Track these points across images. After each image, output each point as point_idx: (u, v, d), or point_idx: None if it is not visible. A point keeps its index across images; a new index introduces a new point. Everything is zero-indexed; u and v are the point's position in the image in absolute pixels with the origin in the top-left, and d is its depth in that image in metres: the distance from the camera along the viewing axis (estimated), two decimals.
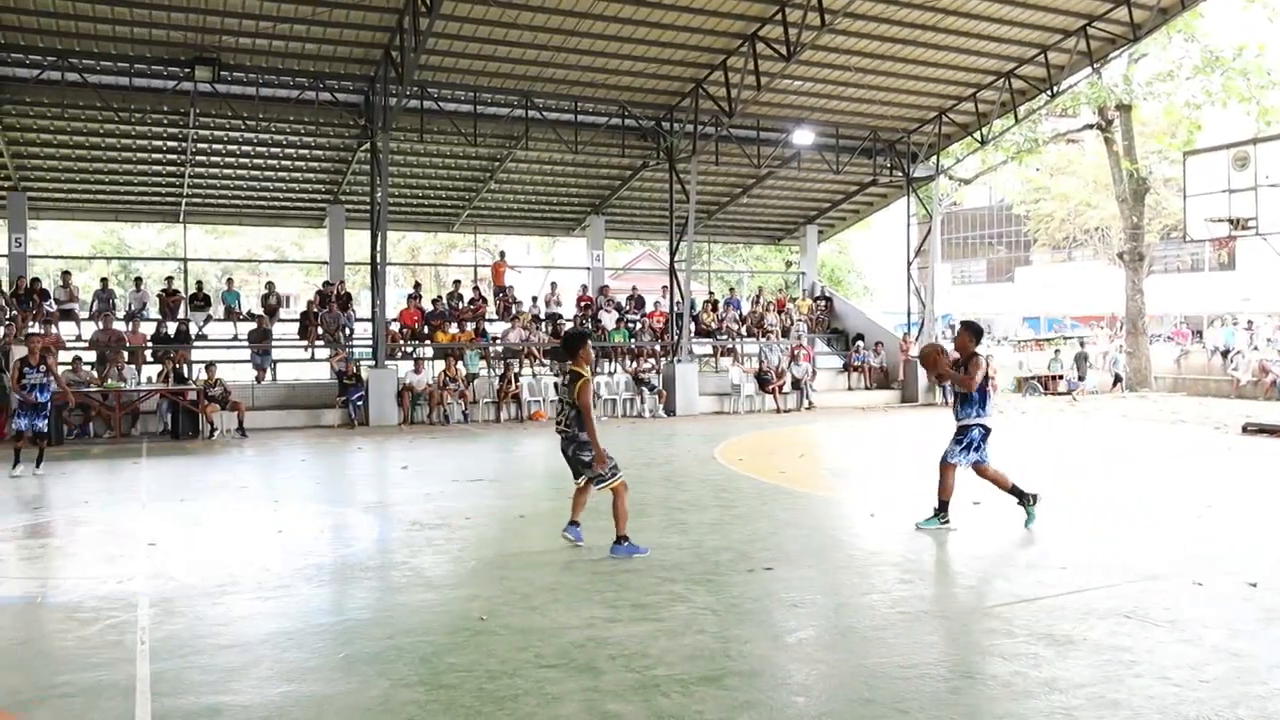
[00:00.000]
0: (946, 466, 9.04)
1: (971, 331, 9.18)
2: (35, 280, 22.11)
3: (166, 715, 4.75)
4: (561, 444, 8.21)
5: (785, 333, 27.23)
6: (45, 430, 13.45)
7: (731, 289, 31.22)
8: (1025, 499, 9.04)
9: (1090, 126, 31.82)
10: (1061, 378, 29.10)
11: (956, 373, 8.97)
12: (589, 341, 8.38)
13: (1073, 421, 20.71)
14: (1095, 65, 22.65)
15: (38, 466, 13.27)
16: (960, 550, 8.43)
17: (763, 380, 24.48)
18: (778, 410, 23.90)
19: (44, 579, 7.62)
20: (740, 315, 27.83)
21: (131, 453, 15.92)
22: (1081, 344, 34.01)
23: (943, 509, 9.03)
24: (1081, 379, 28.60)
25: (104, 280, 23.46)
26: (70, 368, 18.27)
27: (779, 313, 28.12)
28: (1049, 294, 58.30)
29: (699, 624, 6.15)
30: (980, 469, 9.04)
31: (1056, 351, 31.58)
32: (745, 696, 4.95)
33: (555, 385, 7.67)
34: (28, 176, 22.60)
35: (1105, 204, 37.13)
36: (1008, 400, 26.55)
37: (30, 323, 20.00)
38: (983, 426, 8.98)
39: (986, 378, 9.09)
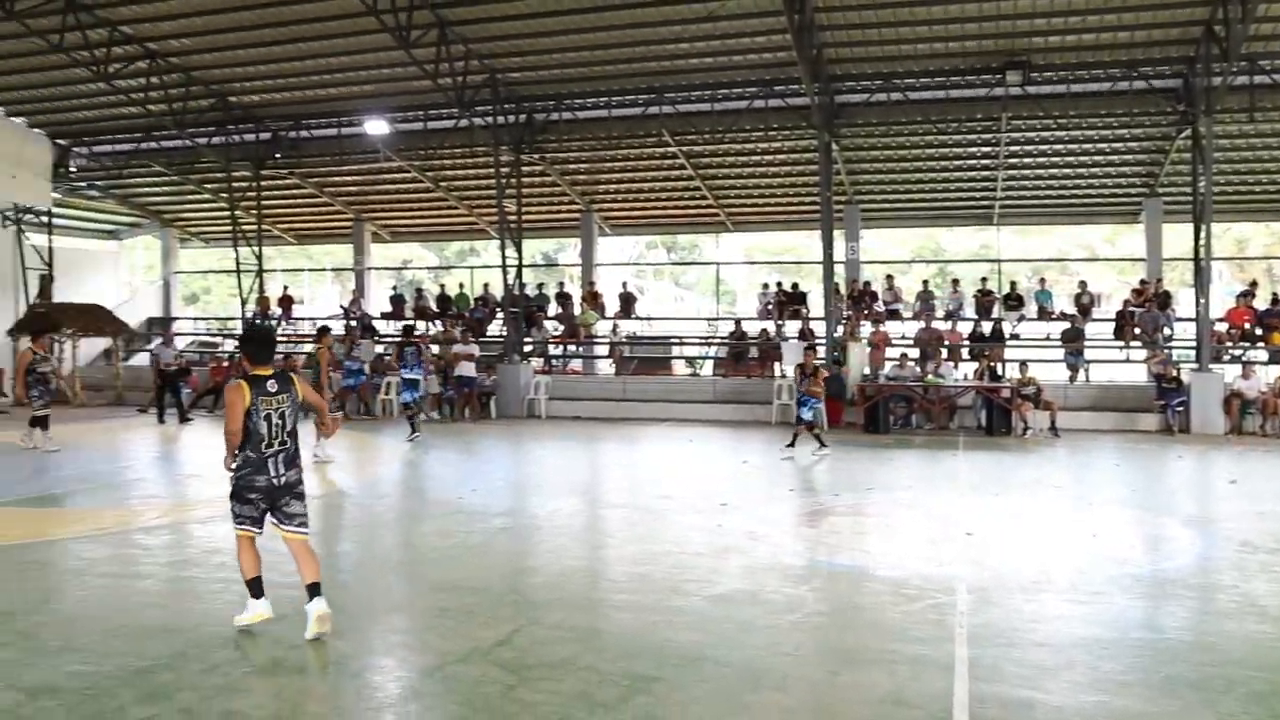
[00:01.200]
0: None
1: None
2: (866, 284, 24.51)
3: (983, 699, 4.94)
4: None
5: None
6: (810, 420, 15.30)
7: None
8: None
9: None
10: None
11: None
12: None
13: None
14: None
15: (821, 447, 15.01)
16: None
17: None
18: None
19: (872, 553, 8.41)
20: None
21: (949, 445, 16.82)
22: None
23: None
24: None
25: (924, 282, 25.13)
26: (897, 363, 19.99)
27: None
28: None
29: None
30: None
31: None
32: None
33: None
34: (860, 190, 25.13)
35: None
36: None
37: (862, 322, 22.21)
38: None
39: None
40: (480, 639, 5.89)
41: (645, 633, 6.07)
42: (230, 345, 27.83)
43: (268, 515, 6.02)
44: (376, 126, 23.01)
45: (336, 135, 24.68)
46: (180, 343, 26.21)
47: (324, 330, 16.68)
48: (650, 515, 10.18)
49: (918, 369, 20.37)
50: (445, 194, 27.43)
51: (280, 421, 5.94)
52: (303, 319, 30.75)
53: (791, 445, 15.05)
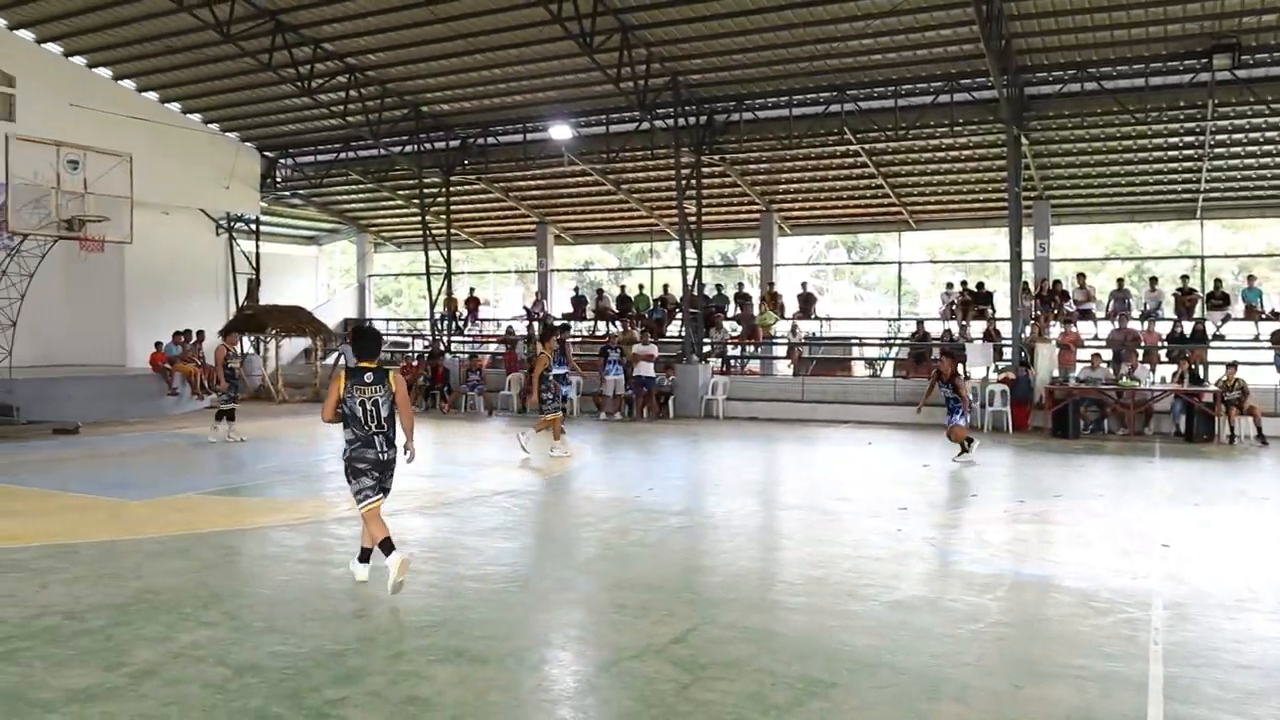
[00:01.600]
0: None
1: None
2: (1056, 282, 23.53)
3: None
4: None
5: None
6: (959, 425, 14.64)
7: None
8: None
9: None
10: None
11: None
12: None
13: None
14: None
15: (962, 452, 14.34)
16: None
17: None
18: None
19: (1060, 562, 8.08)
20: None
21: (1144, 451, 15.98)
22: None
23: None
24: None
25: (1120, 280, 23.92)
26: (1089, 365, 19.11)
27: None
28: None
29: None
30: None
31: None
32: None
33: None
34: (1051, 185, 24.13)
35: None
36: None
37: (1052, 322, 21.34)
38: None
39: None
40: (655, 636, 5.96)
41: (821, 636, 6.02)
42: (419, 345, 29.02)
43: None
44: (560, 131, 23.56)
45: (522, 141, 25.39)
46: None
47: (550, 332, 16.16)
48: (827, 518, 10.08)
49: (1111, 371, 19.42)
50: (626, 196, 27.84)
51: (374, 408, 6.88)
52: (488, 320, 31.85)
53: (965, 451, 14.52)
